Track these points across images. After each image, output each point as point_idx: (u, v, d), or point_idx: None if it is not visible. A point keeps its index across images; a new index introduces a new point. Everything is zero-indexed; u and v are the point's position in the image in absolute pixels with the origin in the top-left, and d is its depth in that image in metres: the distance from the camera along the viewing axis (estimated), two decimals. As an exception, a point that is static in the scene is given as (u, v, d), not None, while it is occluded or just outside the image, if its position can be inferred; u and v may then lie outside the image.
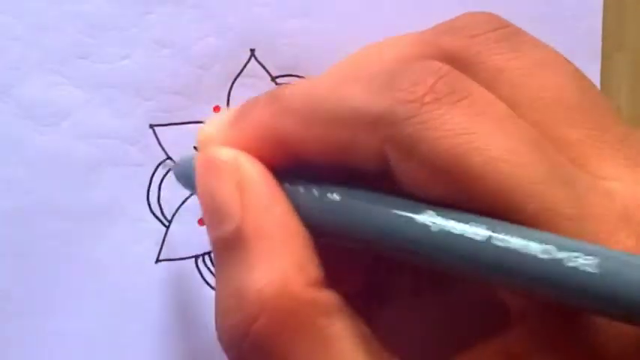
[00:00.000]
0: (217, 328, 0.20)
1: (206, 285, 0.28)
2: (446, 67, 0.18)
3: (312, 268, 0.19)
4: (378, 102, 0.18)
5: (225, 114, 0.22)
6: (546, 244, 0.15)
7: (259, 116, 0.20)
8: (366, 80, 0.19)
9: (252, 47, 0.28)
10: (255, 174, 0.20)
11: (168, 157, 0.28)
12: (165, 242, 0.28)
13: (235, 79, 0.28)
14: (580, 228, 0.16)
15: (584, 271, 0.15)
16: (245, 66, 0.27)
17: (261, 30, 0.28)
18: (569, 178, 0.17)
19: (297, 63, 0.28)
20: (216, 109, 0.28)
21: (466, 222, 0.17)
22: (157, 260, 0.28)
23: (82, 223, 0.27)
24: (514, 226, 0.16)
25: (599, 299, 0.15)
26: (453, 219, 0.17)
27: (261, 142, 0.20)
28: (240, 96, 0.28)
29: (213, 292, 0.28)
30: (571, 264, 0.15)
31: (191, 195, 0.28)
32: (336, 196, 0.19)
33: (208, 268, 0.28)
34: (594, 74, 0.30)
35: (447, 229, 0.17)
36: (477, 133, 0.17)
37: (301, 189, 0.20)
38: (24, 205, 0.27)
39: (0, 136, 0.26)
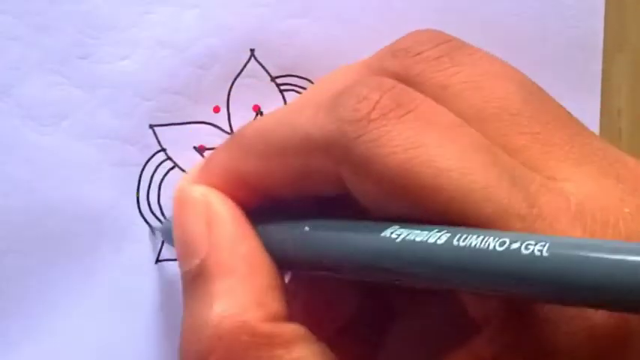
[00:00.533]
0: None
1: (206, 285, 0.28)
2: (389, 82, 0.18)
3: (273, 303, 0.19)
4: (327, 125, 0.18)
5: (199, 162, 0.23)
6: (501, 238, 0.16)
7: (221, 159, 0.21)
8: (313, 106, 0.19)
9: (252, 47, 0.28)
10: (224, 211, 0.20)
11: (168, 158, 0.28)
12: (165, 242, 0.28)
13: (235, 79, 0.28)
14: (534, 227, 0.17)
15: (538, 256, 0.15)
16: (245, 66, 0.27)
17: (261, 30, 0.27)
18: (521, 179, 0.17)
19: (296, 63, 0.28)
20: (216, 109, 0.28)
21: (427, 230, 0.17)
22: (157, 260, 0.28)
23: (82, 223, 0.27)
24: (471, 229, 0.17)
25: (554, 282, 0.15)
26: (415, 229, 0.17)
27: (226, 183, 0.21)
28: (240, 96, 0.28)
29: (213, 292, 0.28)
30: (525, 251, 0.15)
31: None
32: (306, 228, 0.19)
33: (208, 268, 0.28)
34: (595, 74, 0.30)
35: (409, 238, 0.17)
36: (425, 145, 0.17)
37: (272, 226, 0.20)
38: (24, 205, 0.27)
39: (0, 136, 0.26)
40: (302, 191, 0.20)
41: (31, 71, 0.26)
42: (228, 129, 0.28)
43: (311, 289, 0.21)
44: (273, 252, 0.20)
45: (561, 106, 0.20)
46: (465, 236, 0.16)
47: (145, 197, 0.28)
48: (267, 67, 0.28)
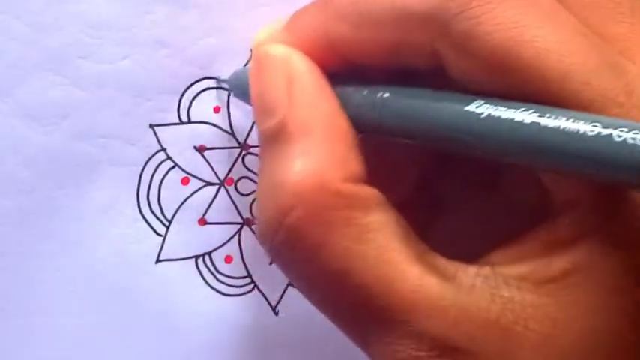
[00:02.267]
0: (257, 225, 0.20)
1: (206, 285, 0.28)
2: None
3: (353, 165, 0.19)
4: (428, 0, 0.18)
5: (277, 22, 0.22)
6: (593, 122, 0.16)
7: (311, 22, 0.21)
8: None
9: (252, 47, 0.28)
10: (305, 70, 0.20)
11: (168, 158, 0.28)
12: (165, 242, 0.28)
13: (220, 79, 0.28)
14: (631, 115, 0.17)
15: (632, 144, 0.15)
16: (245, 66, 0.27)
17: (262, 30, 0.27)
18: (619, 67, 0.18)
19: (297, 63, 0.28)
20: (216, 109, 0.28)
21: (514, 108, 0.17)
22: (157, 260, 0.28)
23: (82, 223, 0.27)
24: (561, 110, 0.17)
25: None
26: (501, 106, 0.17)
27: (313, 46, 0.21)
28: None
29: (213, 292, 0.28)
30: (618, 139, 0.15)
31: (191, 195, 0.28)
32: (386, 94, 0.19)
33: (208, 268, 0.28)
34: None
35: (495, 115, 0.17)
36: (527, 25, 0.18)
37: (351, 89, 0.20)
38: (24, 205, 0.27)
39: (0, 136, 0.26)
40: (391, 62, 0.20)
41: (31, 71, 0.26)
42: (228, 129, 0.28)
43: (375, 159, 0.21)
44: (350, 115, 0.20)
45: None
46: (554, 117, 0.16)
47: (145, 197, 0.28)
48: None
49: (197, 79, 0.27)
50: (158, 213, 0.28)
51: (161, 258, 0.28)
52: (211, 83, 0.28)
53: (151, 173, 0.28)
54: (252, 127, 0.28)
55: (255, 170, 0.28)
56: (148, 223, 0.28)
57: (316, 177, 0.19)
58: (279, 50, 0.21)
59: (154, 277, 0.28)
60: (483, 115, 0.17)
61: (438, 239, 0.20)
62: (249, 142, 0.28)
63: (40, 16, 0.26)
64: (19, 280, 0.27)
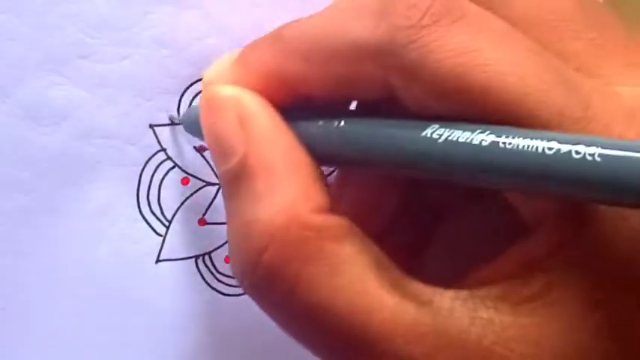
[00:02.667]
0: (230, 262, 0.20)
1: (206, 285, 0.28)
2: None
3: (318, 196, 0.19)
4: (377, 31, 0.18)
5: (226, 58, 0.22)
6: (549, 140, 0.16)
7: (261, 56, 0.21)
8: (362, 10, 0.19)
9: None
10: (258, 108, 0.20)
11: (168, 158, 0.28)
12: (165, 242, 0.28)
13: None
14: (589, 130, 0.17)
15: (590, 160, 0.15)
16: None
17: (261, 30, 0.27)
18: (575, 83, 0.18)
19: (297, 63, 0.28)
20: (216, 109, 0.28)
21: (470, 130, 0.17)
22: (157, 260, 0.28)
23: (82, 223, 0.27)
24: (518, 129, 0.16)
25: (606, 185, 0.15)
26: (458, 129, 0.17)
27: (264, 82, 0.20)
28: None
29: (213, 292, 0.28)
30: (577, 155, 0.15)
31: (192, 194, 0.28)
32: (342, 123, 0.19)
33: (208, 268, 0.28)
34: None
35: (453, 138, 0.17)
36: (478, 49, 0.17)
37: (307, 121, 0.20)
38: (24, 205, 0.27)
39: (0, 136, 0.26)
40: (344, 95, 0.20)
41: (31, 71, 0.26)
42: (228, 129, 0.28)
43: (355, 189, 0.21)
44: (308, 147, 0.20)
45: (614, 12, 0.20)
46: (511, 136, 0.16)
47: (145, 197, 0.28)
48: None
49: (197, 79, 0.27)
50: (158, 213, 0.28)
51: (161, 258, 0.28)
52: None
53: (151, 173, 0.28)
54: (252, 127, 0.28)
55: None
56: (148, 223, 0.28)
57: (284, 213, 0.18)
58: (229, 90, 0.21)
59: (154, 277, 0.28)
60: (440, 140, 0.17)
61: (425, 264, 0.20)
62: (249, 142, 0.28)
63: (40, 16, 0.26)
64: (19, 280, 0.27)
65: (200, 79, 0.27)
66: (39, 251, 0.27)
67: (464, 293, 0.18)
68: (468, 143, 0.17)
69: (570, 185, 0.15)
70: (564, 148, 0.15)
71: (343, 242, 0.18)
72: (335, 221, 0.19)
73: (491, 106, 0.17)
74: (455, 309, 0.18)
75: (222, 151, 0.20)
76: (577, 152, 0.15)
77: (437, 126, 0.17)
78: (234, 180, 0.20)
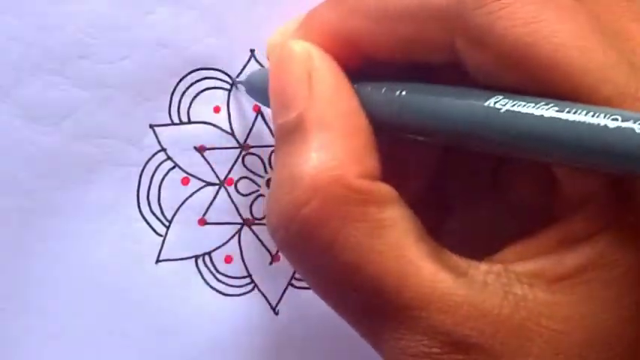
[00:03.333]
0: (267, 214, 0.20)
1: (206, 285, 0.28)
2: None
3: (369, 161, 0.19)
4: None
5: (290, 23, 0.23)
6: (613, 115, 0.16)
7: (327, 18, 0.21)
8: None
9: (252, 47, 0.28)
10: (326, 66, 0.20)
11: (168, 158, 0.28)
12: (165, 242, 0.28)
13: (235, 79, 0.28)
14: None
15: None
16: (245, 66, 0.27)
17: (261, 30, 0.27)
18: (635, 64, 0.18)
19: (297, 63, 0.28)
20: (217, 109, 0.28)
21: (533, 102, 0.17)
22: (157, 260, 0.28)
23: (82, 223, 0.27)
24: (580, 104, 0.17)
25: None
26: (521, 101, 0.17)
27: (330, 43, 0.21)
28: (240, 96, 0.28)
29: (213, 293, 0.28)
30: (639, 131, 0.15)
31: (191, 195, 0.28)
32: (404, 92, 0.20)
33: (208, 268, 0.28)
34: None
35: (515, 110, 0.17)
36: (546, 20, 0.18)
37: (370, 86, 0.20)
38: (24, 205, 0.27)
39: (0, 136, 0.26)
40: (408, 58, 0.20)
41: (31, 71, 0.26)
42: (228, 129, 0.28)
43: (388, 156, 0.21)
44: (368, 112, 0.20)
45: None
46: (573, 111, 0.16)
47: (145, 197, 0.28)
48: (267, 67, 0.28)
49: (197, 79, 0.27)
50: (158, 213, 0.28)
51: (161, 258, 0.28)
52: (211, 83, 0.28)
53: (151, 173, 0.28)
54: (252, 127, 0.28)
55: (255, 170, 0.28)
56: (147, 223, 0.28)
57: (333, 171, 0.19)
58: (301, 45, 0.21)
59: (154, 277, 0.28)
60: (503, 110, 0.17)
61: (449, 238, 0.20)
62: (249, 142, 0.28)
63: (40, 16, 0.26)
64: (19, 280, 0.27)
65: (200, 79, 0.27)
66: (39, 251, 0.27)
67: (497, 267, 0.19)
68: (530, 115, 0.17)
69: (629, 160, 0.16)
70: (626, 124, 0.16)
71: (386, 207, 0.19)
72: (380, 187, 0.19)
73: (554, 77, 0.17)
74: (488, 283, 0.18)
75: (284, 103, 0.20)
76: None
77: (500, 96, 0.18)
78: (289, 133, 0.20)
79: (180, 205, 0.28)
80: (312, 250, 0.19)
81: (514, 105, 0.17)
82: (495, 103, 0.18)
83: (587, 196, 0.18)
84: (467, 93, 0.18)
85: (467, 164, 0.23)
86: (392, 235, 0.18)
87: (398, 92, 0.20)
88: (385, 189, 0.19)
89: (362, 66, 0.21)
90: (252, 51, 0.28)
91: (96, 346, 0.27)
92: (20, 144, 0.26)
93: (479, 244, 0.20)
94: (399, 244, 0.18)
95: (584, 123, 0.16)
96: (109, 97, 0.27)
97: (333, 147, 0.19)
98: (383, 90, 0.20)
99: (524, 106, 0.17)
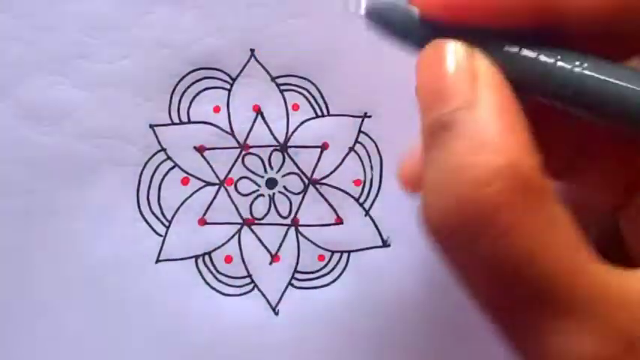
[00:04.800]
0: (425, 209, 0.19)
1: (206, 285, 0.28)
2: None
3: (537, 155, 0.19)
4: None
5: None
6: None
7: None
8: None
9: (252, 47, 0.28)
10: (489, 67, 0.20)
11: (168, 158, 0.28)
12: (165, 242, 0.28)
13: (235, 79, 0.28)
14: None
15: None
16: (245, 66, 0.27)
17: (261, 30, 0.27)
18: None
19: (297, 63, 0.28)
20: (216, 109, 0.28)
21: None
22: (157, 260, 0.28)
23: (82, 223, 0.27)
24: None
25: None
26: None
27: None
28: (240, 96, 0.28)
29: (213, 293, 0.28)
30: None
31: (191, 195, 0.28)
32: (585, 65, 0.19)
33: (208, 268, 0.28)
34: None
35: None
36: None
37: (542, 57, 0.20)
38: (24, 205, 0.27)
39: (0, 136, 0.26)
40: (537, 20, 0.20)
41: (31, 71, 0.26)
42: (228, 129, 0.28)
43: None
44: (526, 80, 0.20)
45: None
46: None
47: (145, 197, 0.28)
48: (267, 67, 0.28)
49: (197, 79, 0.27)
50: (158, 213, 0.28)
51: (161, 258, 0.28)
52: (211, 83, 0.28)
53: (151, 173, 0.28)
54: (252, 127, 0.28)
55: (254, 170, 0.28)
56: (147, 223, 0.28)
57: (513, 159, 0.18)
58: (463, 46, 0.21)
59: (154, 277, 0.28)
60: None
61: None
62: (249, 142, 0.28)
63: (40, 16, 0.26)
64: (19, 280, 0.27)
65: (200, 79, 0.27)
66: (39, 251, 0.27)
67: None
68: None
69: None
70: None
71: (557, 203, 0.19)
72: (549, 183, 0.19)
73: None
74: None
75: (443, 96, 0.20)
76: None
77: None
78: (452, 125, 0.19)
79: (180, 205, 0.28)
80: (489, 234, 0.18)
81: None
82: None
83: None
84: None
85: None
86: (564, 230, 0.18)
87: (577, 64, 0.19)
88: (551, 185, 0.19)
89: (519, 33, 0.20)
90: (252, 51, 0.28)
91: (96, 346, 0.27)
92: (20, 144, 0.27)
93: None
94: (572, 240, 0.18)
95: None
96: (109, 97, 0.27)
97: (507, 136, 0.19)
98: (558, 59, 0.20)
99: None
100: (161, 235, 0.28)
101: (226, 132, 0.28)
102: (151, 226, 0.28)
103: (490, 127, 0.19)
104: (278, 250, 0.28)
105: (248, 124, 0.28)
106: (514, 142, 0.19)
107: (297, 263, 0.28)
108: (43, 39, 0.26)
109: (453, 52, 0.20)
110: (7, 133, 0.26)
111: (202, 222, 0.28)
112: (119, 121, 0.27)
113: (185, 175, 0.28)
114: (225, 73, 0.28)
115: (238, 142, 0.28)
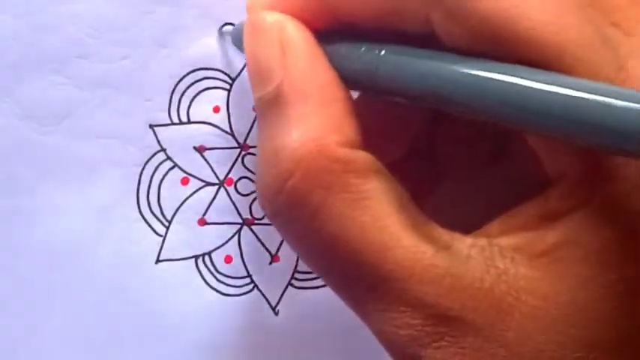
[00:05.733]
0: (256, 189, 0.20)
1: (206, 285, 0.28)
2: None
3: (349, 130, 0.19)
4: None
5: None
6: (589, 86, 0.16)
7: None
8: None
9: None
10: (299, 36, 0.20)
11: (168, 158, 0.28)
12: (165, 242, 0.28)
13: (235, 79, 0.28)
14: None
15: (620, 107, 0.15)
16: (245, 66, 0.27)
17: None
18: (613, 41, 0.18)
19: (297, 63, 0.28)
20: (216, 109, 0.28)
21: (510, 69, 0.17)
22: (157, 260, 0.28)
23: (82, 223, 0.27)
24: (556, 75, 0.17)
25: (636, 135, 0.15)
26: (496, 67, 0.17)
27: (307, 6, 0.21)
28: (240, 96, 0.28)
29: (213, 293, 0.28)
30: (609, 101, 0.15)
31: (191, 195, 0.28)
32: (383, 51, 0.19)
33: (208, 268, 0.28)
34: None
35: (491, 76, 0.17)
36: None
37: (348, 46, 0.20)
38: (24, 205, 0.27)
39: (0, 136, 0.26)
40: (383, 24, 0.20)
41: (31, 71, 0.26)
42: (228, 129, 0.28)
43: (372, 119, 0.21)
44: (345, 73, 0.20)
45: None
46: (551, 79, 0.16)
47: (145, 197, 0.28)
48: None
49: (197, 79, 0.27)
50: (158, 213, 0.28)
51: (161, 258, 0.28)
52: (211, 83, 0.28)
53: (151, 173, 0.28)
54: (252, 127, 0.28)
55: (254, 170, 0.28)
56: (147, 223, 0.28)
57: (314, 142, 0.19)
58: (274, 17, 0.21)
59: (154, 277, 0.28)
60: (481, 75, 0.17)
61: (437, 207, 0.20)
62: (249, 142, 0.28)
63: (40, 16, 0.26)
64: (18, 281, 0.27)
65: (199, 79, 0.27)
66: (39, 251, 0.27)
67: (482, 241, 0.19)
68: (505, 81, 0.17)
69: (603, 130, 0.16)
70: (599, 97, 0.16)
71: (368, 178, 0.19)
72: (362, 157, 0.19)
73: (528, 54, 0.17)
74: (472, 256, 0.18)
75: (260, 76, 0.20)
76: (611, 97, 0.15)
77: (478, 62, 0.18)
78: (269, 106, 0.20)
79: (180, 205, 0.28)
80: (298, 221, 0.19)
81: (491, 71, 0.17)
82: (473, 67, 0.17)
83: (563, 172, 0.18)
84: (445, 56, 0.18)
85: (462, 131, 0.23)
86: (373, 206, 0.18)
87: (377, 51, 0.19)
88: (366, 157, 0.19)
89: (337, 29, 0.21)
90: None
91: (96, 346, 0.27)
92: (20, 144, 0.26)
93: (469, 215, 0.20)
94: (380, 215, 0.18)
95: (557, 93, 0.16)
96: (109, 97, 0.27)
97: (311, 117, 0.19)
98: (362, 49, 0.20)
99: (501, 70, 0.17)
100: (161, 235, 0.28)
101: (226, 132, 0.28)
102: (150, 226, 0.28)
103: (296, 108, 0.19)
104: (278, 250, 0.28)
105: (248, 124, 0.28)
106: (319, 121, 0.19)
107: (297, 263, 0.28)
108: (43, 39, 0.26)
109: (265, 26, 0.20)
110: (8, 133, 0.26)
111: (202, 222, 0.28)
112: (119, 121, 0.27)
113: (185, 175, 0.28)
114: (225, 73, 0.28)
115: (238, 142, 0.28)
